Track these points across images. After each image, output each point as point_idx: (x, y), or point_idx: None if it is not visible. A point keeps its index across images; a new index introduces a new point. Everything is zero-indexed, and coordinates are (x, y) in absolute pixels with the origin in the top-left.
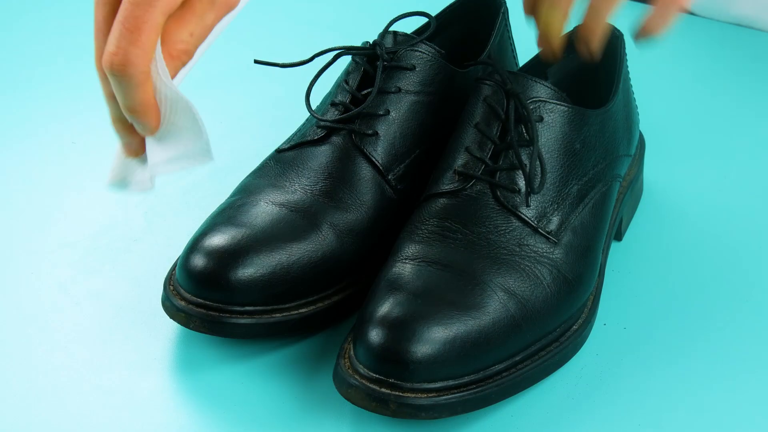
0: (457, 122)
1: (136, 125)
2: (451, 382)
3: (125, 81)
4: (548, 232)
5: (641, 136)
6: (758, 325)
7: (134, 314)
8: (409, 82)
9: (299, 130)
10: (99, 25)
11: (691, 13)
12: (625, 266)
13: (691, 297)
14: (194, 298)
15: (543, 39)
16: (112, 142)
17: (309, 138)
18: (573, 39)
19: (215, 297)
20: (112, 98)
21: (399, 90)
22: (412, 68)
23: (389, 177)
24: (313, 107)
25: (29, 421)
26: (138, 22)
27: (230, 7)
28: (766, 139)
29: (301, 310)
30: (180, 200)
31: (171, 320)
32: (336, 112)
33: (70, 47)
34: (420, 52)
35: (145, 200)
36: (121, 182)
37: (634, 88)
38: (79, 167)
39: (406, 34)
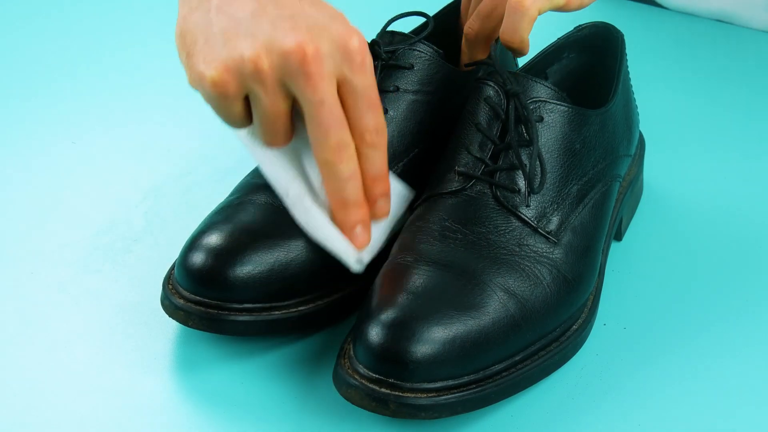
0: (457, 122)
1: (376, 196)
2: (450, 382)
3: (383, 145)
4: (548, 232)
5: (641, 136)
6: (758, 325)
7: (134, 314)
8: (407, 81)
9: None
10: (341, 123)
11: (689, 13)
12: (625, 266)
13: (691, 297)
14: (193, 296)
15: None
16: (111, 142)
17: None
18: (570, 40)
19: (214, 295)
20: (354, 177)
21: (397, 89)
22: (411, 67)
23: None
24: None
25: (29, 421)
26: (377, 98)
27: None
28: (766, 138)
29: (300, 308)
30: (180, 200)
31: (171, 319)
32: None
33: (70, 48)
34: (418, 51)
35: (145, 200)
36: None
37: (634, 88)
38: (79, 167)
39: (404, 34)
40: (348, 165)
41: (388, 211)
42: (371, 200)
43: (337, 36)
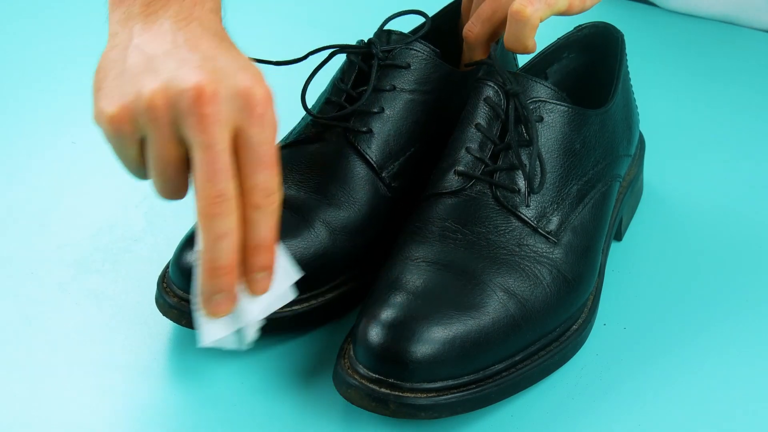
0: (457, 122)
1: (255, 268)
2: (450, 382)
3: (271, 211)
4: (548, 232)
5: (641, 136)
6: (758, 325)
7: (134, 314)
8: (404, 80)
9: (294, 128)
10: (227, 173)
11: (690, 15)
12: (625, 266)
13: (690, 297)
14: (187, 295)
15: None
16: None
17: (304, 136)
18: (570, 40)
19: None
20: (227, 237)
21: (394, 88)
22: (407, 66)
23: (383, 175)
24: (308, 105)
25: (29, 421)
26: (274, 158)
27: None
28: (766, 138)
29: (294, 307)
30: (180, 200)
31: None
32: (331, 110)
33: (69, 47)
34: (415, 50)
35: (145, 200)
36: (219, 340)
37: (634, 88)
38: (79, 167)
39: (401, 33)
40: (223, 221)
41: (266, 289)
42: (248, 271)
43: (241, 83)
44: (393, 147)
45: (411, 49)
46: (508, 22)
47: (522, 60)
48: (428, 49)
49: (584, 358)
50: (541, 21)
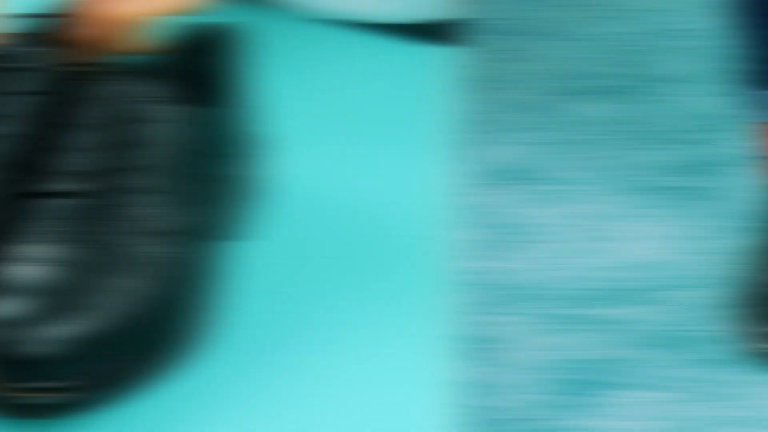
0: (68, 125)
1: None
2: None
3: None
4: (163, 233)
5: (260, 136)
6: (384, 321)
7: None
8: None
9: None
10: None
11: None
12: (255, 267)
13: (316, 297)
14: None
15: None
16: None
17: None
18: (184, 39)
19: None
20: None
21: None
22: (30, 69)
23: None
24: None
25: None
26: None
27: None
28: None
29: None
30: None
31: None
32: None
33: None
34: (34, 51)
35: None
36: None
37: (258, 89)
38: None
39: (24, 34)
40: None
41: None
42: None
43: None
44: None
45: (29, 49)
46: (101, 26)
47: (139, 61)
48: (49, 50)
49: (208, 367)
50: (134, 24)
